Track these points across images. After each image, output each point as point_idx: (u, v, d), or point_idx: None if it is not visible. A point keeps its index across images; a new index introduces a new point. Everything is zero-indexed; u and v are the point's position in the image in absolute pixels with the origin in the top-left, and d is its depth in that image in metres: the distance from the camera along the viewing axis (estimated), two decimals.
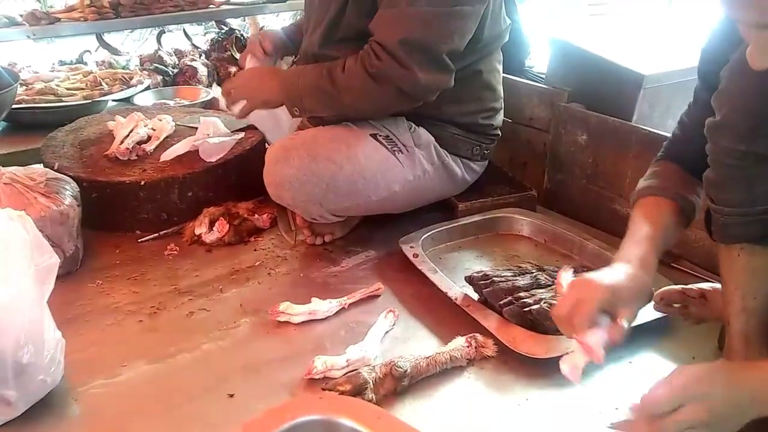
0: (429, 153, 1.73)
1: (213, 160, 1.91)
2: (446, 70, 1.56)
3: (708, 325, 1.31)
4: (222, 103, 1.93)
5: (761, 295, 1.10)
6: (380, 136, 1.66)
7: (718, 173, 1.07)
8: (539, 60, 2.36)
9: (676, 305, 1.29)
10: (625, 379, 1.26)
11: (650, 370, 1.27)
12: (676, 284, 1.34)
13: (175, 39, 3.66)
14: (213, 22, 3.51)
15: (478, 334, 1.33)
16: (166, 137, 2.06)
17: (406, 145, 1.68)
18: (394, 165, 1.66)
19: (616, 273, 1.08)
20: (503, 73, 1.87)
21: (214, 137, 1.96)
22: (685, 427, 0.88)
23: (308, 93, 1.62)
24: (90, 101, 2.55)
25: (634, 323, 1.13)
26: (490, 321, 1.36)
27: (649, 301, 1.19)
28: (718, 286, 1.27)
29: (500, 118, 1.86)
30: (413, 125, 1.71)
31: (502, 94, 1.85)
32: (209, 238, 1.79)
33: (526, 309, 1.33)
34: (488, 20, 1.65)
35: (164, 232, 1.84)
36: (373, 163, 1.63)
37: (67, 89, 2.63)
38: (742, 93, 1.00)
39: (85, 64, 3.12)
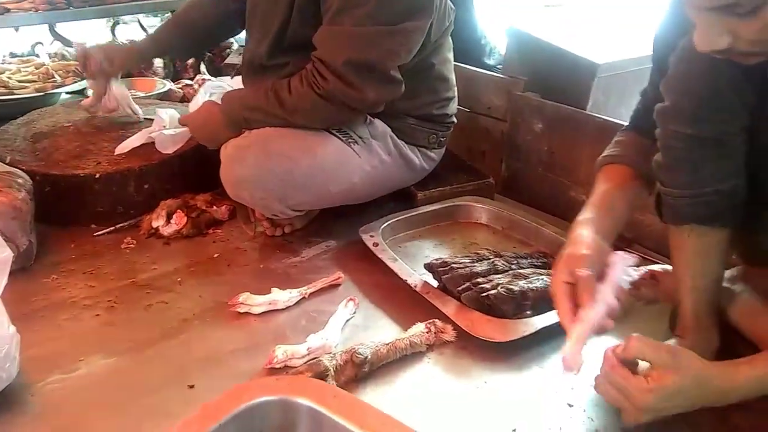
0: (386, 143, 1.74)
1: (170, 151, 1.88)
2: (394, 83, 1.58)
3: (659, 306, 1.34)
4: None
5: (710, 274, 1.15)
6: (335, 128, 1.66)
7: (667, 156, 1.11)
8: (497, 50, 2.39)
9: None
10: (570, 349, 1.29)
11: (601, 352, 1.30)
12: None
13: (130, 30, 3.60)
14: (169, 13, 3.46)
15: (437, 320, 1.34)
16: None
17: (362, 137, 1.69)
18: (351, 157, 1.67)
19: (578, 246, 1.10)
20: (460, 63, 1.89)
21: (171, 129, 1.93)
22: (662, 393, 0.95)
23: (256, 118, 1.63)
24: (42, 94, 2.49)
25: None
26: (449, 307, 1.38)
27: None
28: (668, 267, 1.31)
29: (454, 106, 1.88)
30: (369, 117, 1.72)
31: (454, 83, 1.87)
32: (167, 230, 1.77)
33: (483, 294, 1.35)
34: (435, 23, 1.65)
35: (120, 225, 1.81)
36: (330, 155, 1.64)
37: (19, 82, 2.57)
38: (688, 78, 1.03)
39: (37, 56, 3.05)
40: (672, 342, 1.18)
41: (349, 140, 1.66)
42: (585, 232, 1.12)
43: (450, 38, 1.83)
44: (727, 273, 1.24)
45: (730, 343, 1.20)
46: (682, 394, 0.96)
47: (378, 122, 1.73)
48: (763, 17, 0.80)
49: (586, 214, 1.17)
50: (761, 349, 1.10)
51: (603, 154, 1.30)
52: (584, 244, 1.10)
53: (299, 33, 1.61)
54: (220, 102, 1.73)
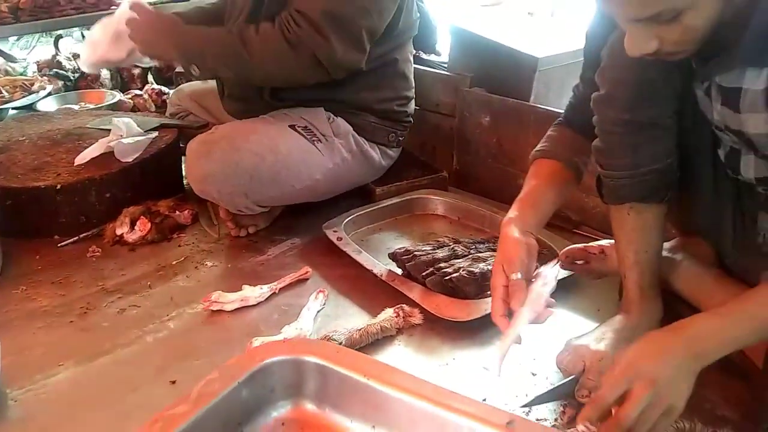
0: (347, 141, 1.80)
1: (129, 160, 1.90)
2: (361, 48, 1.64)
3: (609, 278, 1.45)
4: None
5: (651, 248, 1.25)
6: (299, 126, 1.72)
7: (605, 141, 1.20)
8: (442, 47, 2.46)
9: (579, 262, 1.42)
10: (539, 333, 1.36)
11: (561, 324, 1.38)
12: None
13: (72, 43, 3.57)
14: None
15: (404, 305, 1.41)
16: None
17: (325, 135, 1.75)
18: (314, 154, 1.73)
19: (508, 248, 1.18)
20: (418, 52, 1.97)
21: (128, 137, 1.95)
22: (643, 404, 0.91)
23: (213, 51, 1.63)
24: None
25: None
26: (414, 292, 1.45)
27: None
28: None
29: (413, 106, 1.96)
30: (332, 116, 1.78)
31: (413, 84, 1.95)
32: (131, 237, 1.80)
33: (446, 278, 1.43)
34: (404, 9, 1.74)
35: (84, 234, 1.82)
36: (294, 152, 1.69)
37: None
38: (621, 68, 1.12)
39: None
40: (618, 318, 1.25)
41: (313, 138, 1.72)
42: (512, 234, 1.20)
43: (412, 43, 1.92)
44: (667, 244, 1.35)
45: (675, 311, 1.27)
46: (658, 365, 0.94)
47: (340, 121, 1.79)
48: (684, 22, 0.90)
49: (511, 213, 1.25)
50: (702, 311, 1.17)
51: (535, 149, 1.37)
52: (512, 247, 1.18)
53: (274, 10, 1.64)
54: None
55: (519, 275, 1.14)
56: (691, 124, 1.16)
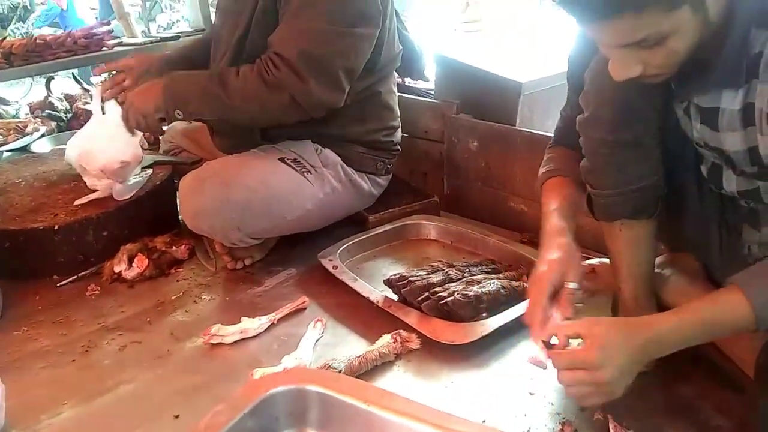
0: (336, 171, 1.84)
1: (126, 198, 1.93)
2: (338, 88, 1.67)
3: (601, 296, 1.47)
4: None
5: (644, 261, 1.28)
6: (288, 159, 1.76)
7: (593, 161, 1.24)
8: (429, 73, 2.51)
9: None
10: (534, 352, 1.40)
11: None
12: None
13: (64, 84, 3.62)
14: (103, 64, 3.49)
15: (402, 331, 1.44)
16: None
17: (314, 166, 1.78)
18: (304, 185, 1.76)
19: (552, 252, 1.21)
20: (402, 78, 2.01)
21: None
22: (582, 383, 1.03)
23: (195, 96, 1.67)
24: None
25: None
26: (411, 317, 1.48)
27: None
28: (605, 260, 1.44)
29: (399, 134, 2.00)
30: (320, 147, 1.82)
31: (398, 114, 1.99)
32: (129, 274, 1.82)
33: (442, 302, 1.46)
34: (384, 45, 1.79)
35: (83, 273, 1.84)
36: (285, 184, 1.72)
37: None
38: (603, 91, 1.16)
39: None
40: None
41: (303, 170, 1.75)
42: (568, 243, 1.22)
43: (395, 74, 1.96)
44: (657, 260, 1.37)
45: None
46: (618, 346, 1.02)
47: (328, 152, 1.83)
48: (668, 46, 0.94)
49: (559, 222, 1.26)
50: None
51: (542, 171, 1.39)
52: (570, 256, 1.21)
53: (258, 44, 1.69)
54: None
55: (576, 285, 1.18)
56: (674, 142, 1.20)
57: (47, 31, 5.09)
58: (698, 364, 1.30)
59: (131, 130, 1.79)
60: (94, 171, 1.90)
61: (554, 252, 1.21)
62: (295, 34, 1.61)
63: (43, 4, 9.42)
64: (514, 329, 1.43)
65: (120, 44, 3.10)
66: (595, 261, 1.46)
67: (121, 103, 1.80)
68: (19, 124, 2.76)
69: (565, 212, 1.28)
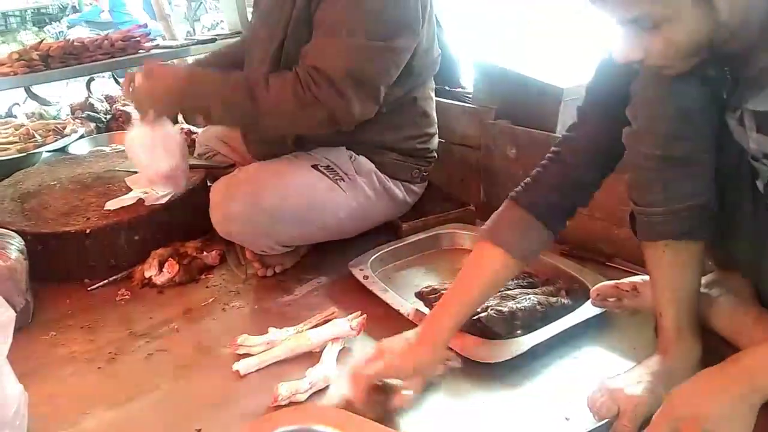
0: (370, 180, 1.79)
1: (157, 203, 1.92)
2: (377, 102, 1.63)
3: (643, 315, 1.40)
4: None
5: (688, 286, 1.20)
6: (321, 166, 1.72)
7: (638, 177, 1.17)
8: (466, 80, 2.46)
9: (611, 299, 1.38)
10: (572, 374, 1.34)
11: (595, 364, 1.35)
12: (609, 280, 1.44)
13: (104, 85, 3.65)
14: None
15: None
16: None
17: (347, 174, 1.74)
18: (337, 193, 1.72)
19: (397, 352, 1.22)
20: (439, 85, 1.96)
21: (160, 190, 1.96)
22: None
23: (220, 105, 1.62)
24: (25, 154, 2.53)
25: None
26: None
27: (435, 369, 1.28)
28: (647, 278, 1.37)
29: (435, 141, 1.95)
30: (353, 154, 1.78)
31: (436, 120, 1.94)
32: (160, 279, 1.81)
33: (475, 317, 1.40)
34: (422, 50, 1.74)
35: (114, 278, 1.84)
36: (317, 192, 1.69)
37: (0, 144, 2.60)
38: (656, 102, 1.09)
39: (15, 117, 3.08)
40: (655, 359, 1.21)
41: (336, 177, 1.72)
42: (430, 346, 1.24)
43: (433, 79, 1.91)
44: (704, 279, 1.29)
45: (714, 350, 1.22)
46: (708, 400, 0.93)
47: (362, 159, 1.79)
48: (663, 35, 0.89)
49: (447, 314, 1.27)
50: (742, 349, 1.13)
51: (485, 225, 1.31)
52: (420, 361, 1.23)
53: (292, 53, 1.66)
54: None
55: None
56: (727, 157, 1.12)
57: (83, 32, 5.16)
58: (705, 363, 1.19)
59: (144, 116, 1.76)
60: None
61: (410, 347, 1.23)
62: (337, 50, 1.56)
63: (90, 4, 9.64)
64: (550, 348, 1.37)
65: (157, 46, 3.11)
66: (636, 278, 1.39)
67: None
68: (58, 125, 2.79)
69: (465, 302, 1.27)
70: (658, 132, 1.10)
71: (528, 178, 1.30)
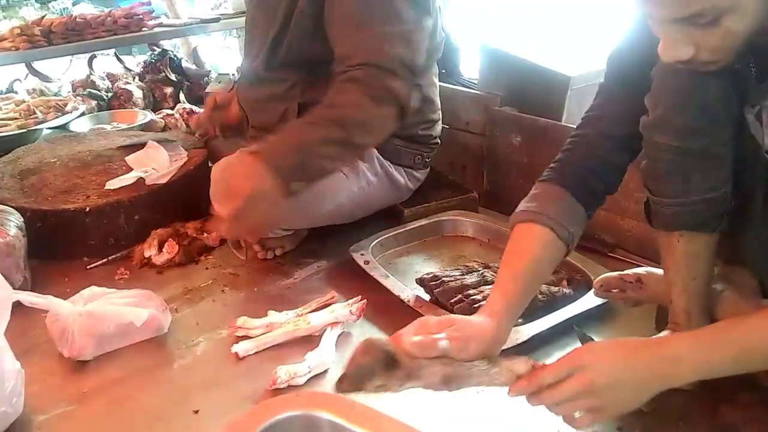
0: (372, 165, 1.78)
1: (160, 182, 1.91)
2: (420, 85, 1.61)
3: (645, 307, 1.39)
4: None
5: (700, 276, 1.18)
6: None
7: (655, 167, 1.14)
8: (470, 66, 2.44)
9: (614, 290, 1.37)
10: None
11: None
12: (612, 271, 1.43)
13: (106, 63, 3.62)
14: (146, 46, 3.50)
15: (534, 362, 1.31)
16: None
17: None
18: (338, 178, 1.69)
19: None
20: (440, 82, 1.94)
21: (161, 169, 1.96)
22: (566, 396, 0.93)
23: (312, 155, 1.45)
24: (25, 130, 2.51)
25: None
26: None
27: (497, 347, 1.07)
28: (652, 270, 1.36)
29: (439, 127, 1.93)
30: None
31: (439, 106, 1.92)
32: (159, 259, 1.79)
33: (476, 305, 1.39)
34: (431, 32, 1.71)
35: (113, 257, 1.83)
36: None
37: (0, 120, 2.58)
38: (677, 92, 1.06)
39: (16, 93, 3.06)
40: (665, 334, 1.21)
41: None
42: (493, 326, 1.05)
43: (436, 64, 1.89)
44: None
45: None
46: (613, 363, 0.92)
47: None
48: (724, 26, 0.85)
49: (495, 305, 1.10)
50: None
51: (519, 208, 1.20)
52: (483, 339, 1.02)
53: (295, 47, 1.64)
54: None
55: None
56: (742, 151, 1.10)
57: (87, 9, 5.11)
58: (746, 386, 1.21)
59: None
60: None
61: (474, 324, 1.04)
62: (375, 41, 1.50)
63: None
64: (550, 338, 1.37)
65: (160, 24, 3.08)
66: (640, 270, 1.38)
67: None
68: (59, 102, 2.77)
69: (518, 282, 1.12)
70: (677, 124, 1.07)
71: (554, 162, 1.25)
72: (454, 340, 0.97)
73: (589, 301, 1.43)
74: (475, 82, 2.24)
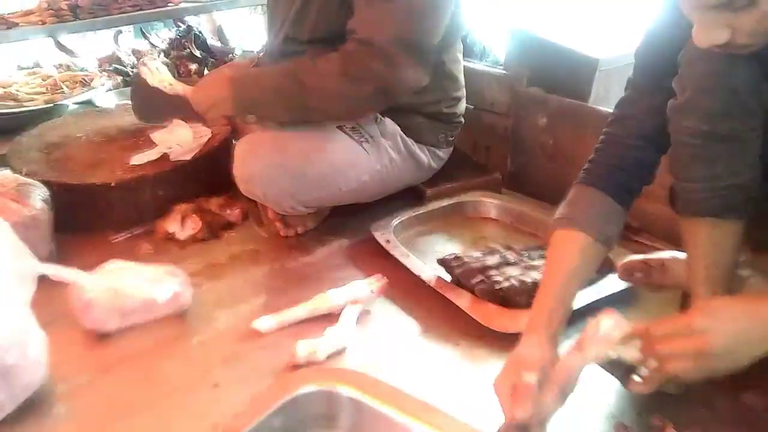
0: (395, 142, 1.77)
1: (184, 158, 1.92)
2: (429, 66, 1.60)
3: (668, 291, 1.37)
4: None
5: (723, 264, 1.16)
6: (347, 127, 1.69)
7: (681, 152, 1.12)
8: (496, 46, 2.41)
9: (638, 274, 1.36)
10: None
11: None
12: (636, 255, 1.41)
13: (132, 38, 3.63)
14: (171, 21, 3.50)
15: None
16: None
17: (372, 136, 1.72)
18: (361, 155, 1.70)
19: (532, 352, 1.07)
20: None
21: (185, 146, 1.97)
22: (679, 352, 0.91)
23: (267, 98, 1.60)
24: (51, 105, 2.53)
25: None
26: (462, 300, 1.41)
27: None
28: (676, 254, 1.34)
29: (463, 106, 1.91)
30: (378, 116, 1.74)
31: (463, 84, 1.90)
32: (182, 235, 1.81)
33: (497, 287, 1.39)
34: (453, 9, 1.69)
35: (137, 231, 1.85)
36: (341, 154, 1.67)
37: (27, 94, 2.61)
38: (706, 76, 1.04)
39: (42, 68, 3.08)
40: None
41: (360, 139, 1.69)
42: (544, 338, 1.09)
43: (461, 41, 1.87)
44: None
45: None
46: (730, 312, 0.92)
47: (388, 121, 1.76)
48: (762, 7, 0.83)
49: (548, 308, 1.12)
50: None
51: (557, 215, 1.21)
52: (536, 354, 1.07)
53: (316, 22, 1.63)
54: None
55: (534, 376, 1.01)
56: None
57: None
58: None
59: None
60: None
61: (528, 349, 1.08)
62: (384, 17, 1.50)
63: None
64: (571, 321, 1.34)
65: (185, 0, 3.08)
66: (665, 254, 1.36)
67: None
68: (85, 77, 2.78)
69: (561, 294, 1.13)
70: (705, 107, 1.05)
71: (588, 163, 1.24)
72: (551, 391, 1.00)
73: (611, 285, 1.41)
74: (500, 65, 2.21)
